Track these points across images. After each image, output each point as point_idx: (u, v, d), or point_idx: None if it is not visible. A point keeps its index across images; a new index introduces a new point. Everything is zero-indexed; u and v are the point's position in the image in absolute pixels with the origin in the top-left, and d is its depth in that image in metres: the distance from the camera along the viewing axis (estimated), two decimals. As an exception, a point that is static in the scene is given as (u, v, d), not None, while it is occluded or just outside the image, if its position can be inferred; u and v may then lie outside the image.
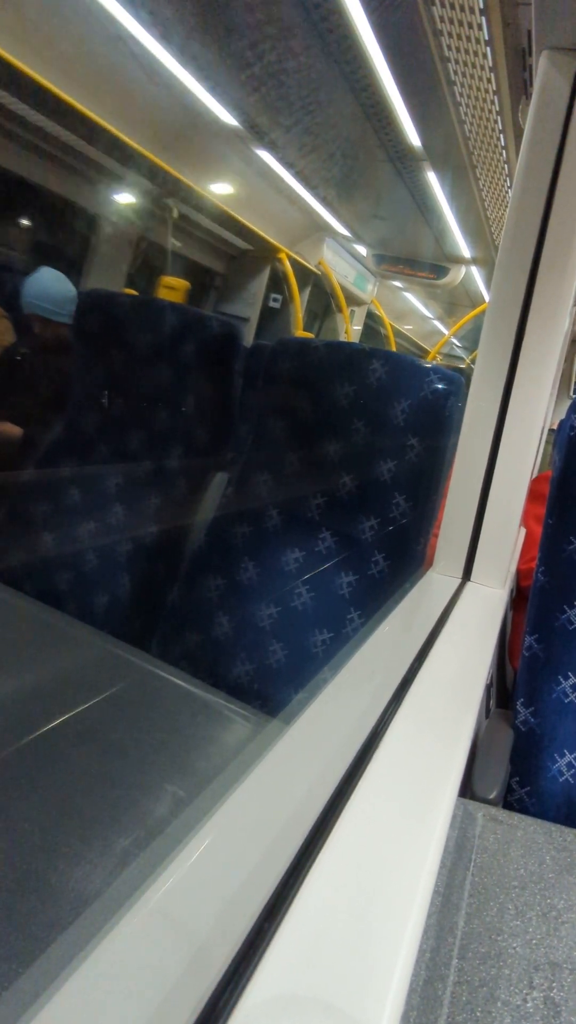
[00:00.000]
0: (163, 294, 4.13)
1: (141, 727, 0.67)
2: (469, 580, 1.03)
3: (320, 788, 0.41)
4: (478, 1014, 0.37)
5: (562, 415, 0.89)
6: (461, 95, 2.69)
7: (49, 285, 2.06)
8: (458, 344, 8.95)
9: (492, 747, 0.81)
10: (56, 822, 0.50)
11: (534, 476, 1.38)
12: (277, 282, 5.44)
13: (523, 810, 0.82)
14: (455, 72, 2.49)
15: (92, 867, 0.45)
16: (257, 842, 0.36)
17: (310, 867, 0.34)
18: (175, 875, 0.32)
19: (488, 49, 2.18)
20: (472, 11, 1.99)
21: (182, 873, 0.32)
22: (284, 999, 0.27)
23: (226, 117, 3.46)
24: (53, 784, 0.55)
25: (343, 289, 6.20)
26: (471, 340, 8.34)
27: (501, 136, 3.02)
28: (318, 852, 0.35)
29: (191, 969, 0.28)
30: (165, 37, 2.69)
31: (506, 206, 3.86)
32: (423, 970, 0.39)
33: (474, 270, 6.10)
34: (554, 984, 0.40)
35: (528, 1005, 0.38)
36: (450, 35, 2.20)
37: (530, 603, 0.89)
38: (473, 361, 1.07)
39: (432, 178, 4.10)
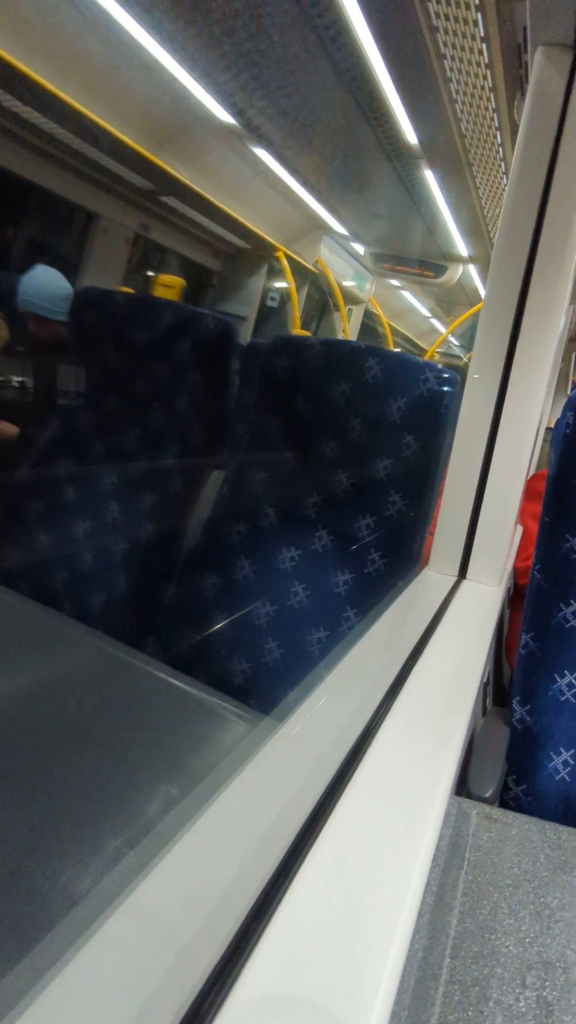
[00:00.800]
0: (160, 292, 4.12)
1: (136, 725, 0.66)
2: (465, 578, 1.03)
3: (312, 786, 0.40)
4: (470, 1013, 0.37)
5: (558, 413, 0.89)
6: (457, 92, 2.69)
7: (45, 283, 2.06)
8: (456, 342, 8.95)
9: (488, 745, 0.81)
10: (48, 821, 0.50)
11: (530, 474, 1.38)
12: (274, 280, 5.43)
13: (519, 808, 0.82)
14: (451, 69, 2.49)
15: (82, 866, 0.45)
16: (247, 840, 0.36)
17: (300, 865, 0.34)
18: (163, 874, 0.32)
19: (484, 45, 2.17)
20: (468, 7, 1.99)
21: (170, 872, 0.32)
22: (271, 999, 0.26)
23: (222, 114, 3.46)
24: (46, 782, 0.55)
25: (340, 287, 6.20)
26: (469, 338, 8.32)
27: (497, 133, 3.01)
28: (309, 850, 0.35)
29: (177, 968, 0.27)
30: (162, 35, 2.69)
31: (502, 203, 3.86)
32: (415, 969, 0.39)
33: (472, 268, 6.10)
34: (547, 983, 0.39)
35: (520, 1004, 0.38)
36: (446, 31, 2.19)
37: (526, 601, 0.89)
38: (471, 359, 1.07)
39: (429, 175, 4.09)
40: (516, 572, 1.34)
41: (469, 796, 0.70)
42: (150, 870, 0.32)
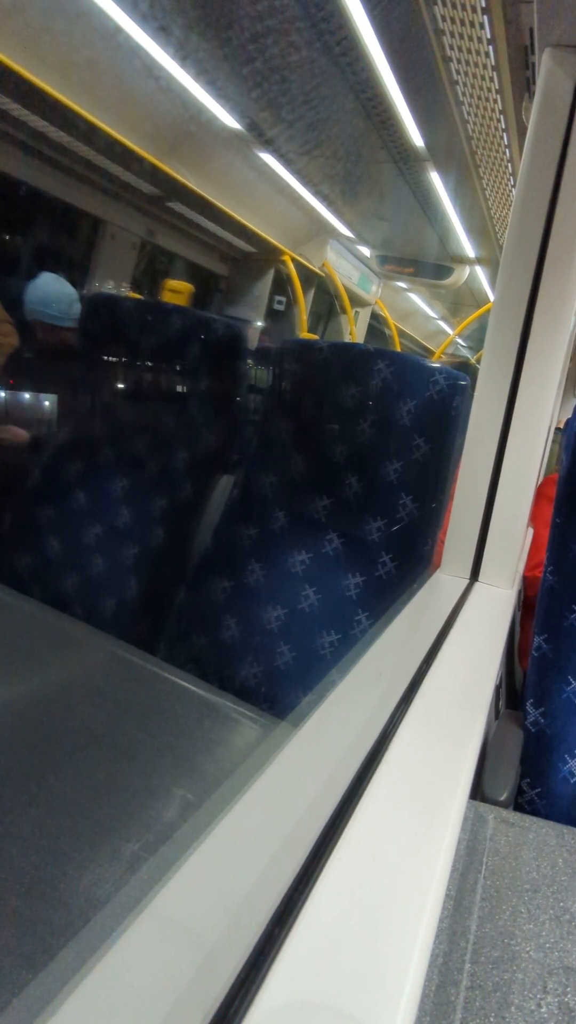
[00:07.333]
0: (168, 298, 4.14)
1: (149, 730, 0.66)
2: (477, 580, 1.02)
3: (329, 791, 0.40)
4: (492, 1019, 0.37)
5: (568, 414, 0.89)
6: (464, 94, 2.69)
7: (50, 290, 2.07)
8: (463, 344, 8.93)
9: (502, 748, 0.81)
10: (65, 826, 0.50)
11: (540, 476, 1.37)
12: (281, 284, 5.44)
13: (534, 812, 0.82)
14: (457, 72, 2.48)
15: (101, 872, 0.45)
16: (266, 846, 0.36)
17: (320, 871, 0.34)
18: (184, 880, 0.32)
19: (490, 48, 2.17)
20: (474, 10, 1.99)
21: (191, 878, 0.32)
22: (295, 1005, 0.26)
23: (229, 120, 3.47)
24: (61, 788, 0.55)
25: (347, 290, 6.20)
26: (476, 340, 8.32)
27: (504, 135, 3.01)
28: (328, 856, 0.35)
29: (201, 975, 0.27)
30: (166, 38, 2.70)
31: (510, 205, 3.86)
32: (435, 975, 0.39)
33: (478, 269, 6.09)
34: (568, 989, 0.39)
35: (542, 1010, 0.38)
36: (452, 35, 2.19)
37: (539, 603, 0.88)
38: (478, 361, 1.07)
39: (435, 178, 4.09)
40: (525, 580, 1.33)
41: (483, 800, 0.69)
42: (171, 876, 0.32)
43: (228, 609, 1.13)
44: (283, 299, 5.52)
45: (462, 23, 2.09)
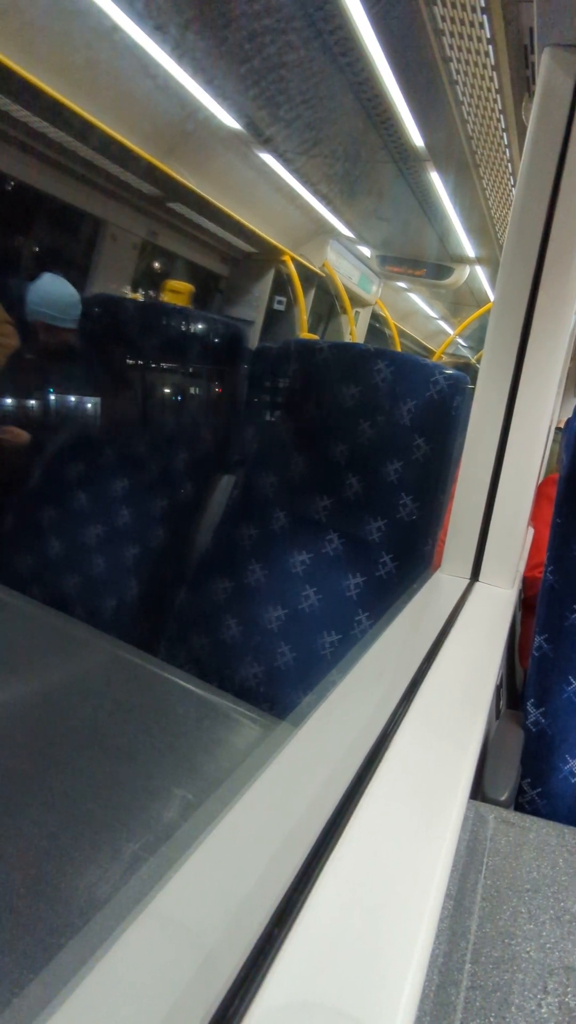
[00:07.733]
0: (169, 298, 4.14)
1: (149, 730, 0.66)
2: (477, 580, 1.02)
3: (330, 791, 0.40)
4: (492, 1019, 0.37)
5: (569, 413, 0.88)
6: (463, 94, 2.69)
7: (52, 291, 2.07)
8: (463, 344, 8.93)
9: (503, 748, 0.81)
10: (65, 826, 0.50)
11: (541, 476, 1.37)
12: (281, 284, 5.44)
13: (535, 812, 0.82)
14: (457, 72, 2.48)
15: (101, 872, 0.45)
16: (266, 846, 0.36)
17: (320, 871, 0.34)
18: (184, 879, 0.32)
19: (490, 48, 2.17)
20: (474, 10, 1.99)
21: (191, 877, 0.32)
22: (295, 1005, 0.26)
23: (228, 120, 3.47)
24: (62, 788, 0.55)
25: (347, 290, 6.20)
26: (476, 339, 8.32)
27: (504, 134, 3.01)
28: (328, 856, 0.35)
29: (200, 976, 0.27)
30: (163, 37, 2.70)
31: (510, 204, 3.86)
32: (435, 975, 0.39)
33: (479, 269, 6.09)
34: (569, 989, 0.39)
35: (543, 1010, 0.38)
36: (452, 35, 2.19)
37: (539, 602, 0.88)
38: (478, 361, 1.06)
39: (435, 178, 4.09)
40: (526, 580, 1.33)
41: (484, 800, 0.69)
42: (171, 876, 0.32)
43: (228, 609, 1.13)
44: (283, 299, 5.51)
45: (462, 23, 2.09)
